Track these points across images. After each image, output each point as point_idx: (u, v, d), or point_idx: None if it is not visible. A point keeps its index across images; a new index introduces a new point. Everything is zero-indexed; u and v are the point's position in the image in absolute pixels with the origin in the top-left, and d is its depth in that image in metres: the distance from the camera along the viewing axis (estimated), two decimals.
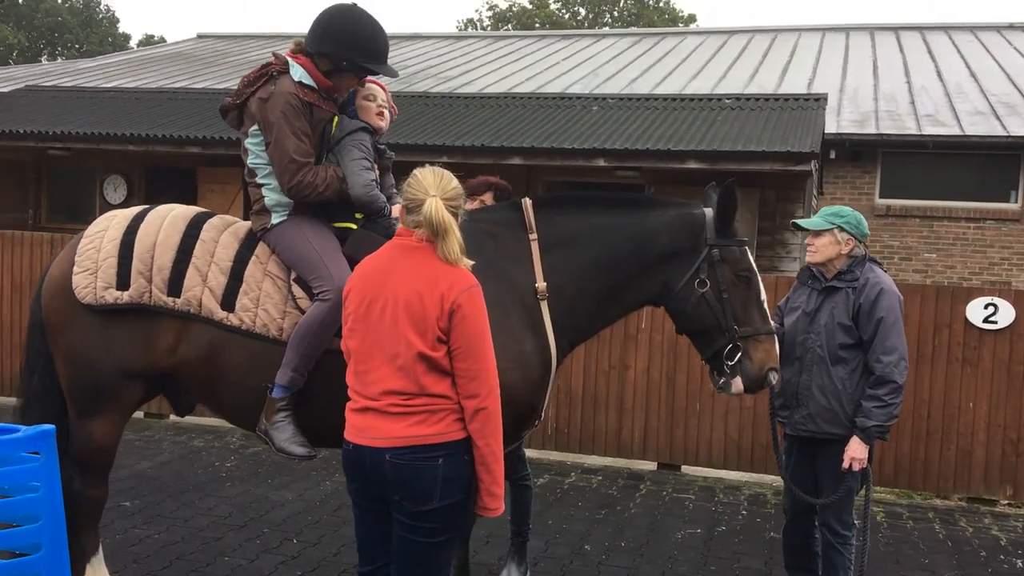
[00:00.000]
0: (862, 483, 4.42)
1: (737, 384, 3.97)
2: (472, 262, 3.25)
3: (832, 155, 15.37)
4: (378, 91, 4.06)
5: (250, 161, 3.99)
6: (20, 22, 45.27)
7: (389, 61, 4.00)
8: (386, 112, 4.08)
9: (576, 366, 7.55)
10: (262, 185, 3.98)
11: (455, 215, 3.17)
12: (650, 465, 7.57)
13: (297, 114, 3.83)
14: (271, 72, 3.89)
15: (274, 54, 3.99)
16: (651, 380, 7.42)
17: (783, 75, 19.18)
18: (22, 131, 12.77)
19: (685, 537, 5.95)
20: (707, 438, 7.38)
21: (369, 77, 4.09)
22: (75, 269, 3.95)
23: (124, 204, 13.55)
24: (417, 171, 3.21)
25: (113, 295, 3.88)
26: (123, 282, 3.89)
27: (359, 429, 3.15)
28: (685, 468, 7.53)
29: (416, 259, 3.13)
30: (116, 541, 5.35)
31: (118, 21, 50.62)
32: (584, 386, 7.57)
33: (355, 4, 3.96)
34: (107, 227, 4.05)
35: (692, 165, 10.58)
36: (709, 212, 4.01)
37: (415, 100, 14.24)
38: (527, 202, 4.04)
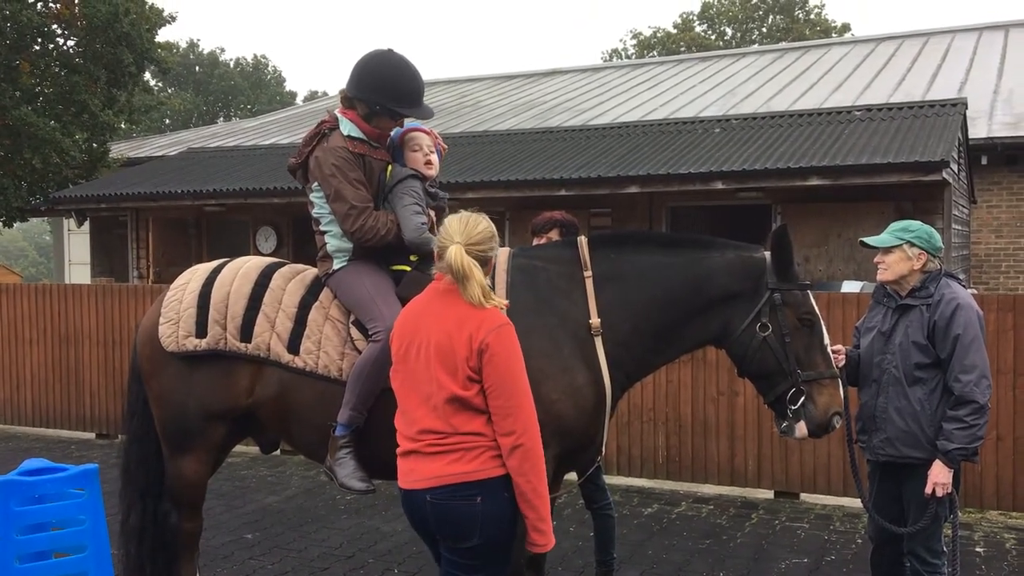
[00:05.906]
0: (950, 509, 4.19)
1: (801, 428, 3.98)
2: (505, 302, 3.34)
3: (984, 161, 14.55)
4: (423, 139, 4.24)
5: (314, 211, 4.25)
6: (198, 88, 48.92)
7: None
8: (433, 157, 4.25)
9: (684, 393, 7.46)
10: (325, 232, 4.23)
11: (485, 258, 3.27)
12: (766, 493, 7.37)
13: (351, 165, 4.07)
14: (323, 130, 4.15)
15: (328, 111, 4.25)
16: (762, 406, 7.15)
17: (932, 81, 18.31)
18: (179, 191, 13.84)
19: (789, 567, 5.76)
20: (825, 465, 7.12)
21: (414, 126, 4.28)
22: (161, 320, 4.31)
23: (274, 253, 14.41)
24: (447, 218, 3.35)
25: (193, 343, 4.21)
26: (201, 330, 4.21)
27: (404, 473, 3.27)
28: (804, 496, 7.28)
29: (447, 302, 3.24)
30: (232, 571, 5.71)
31: (284, 80, 53.86)
32: (693, 413, 7.46)
33: (390, 50, 4.15)
34: (189, 280, 4.40)
35: (815, 182, 10.26)
36: (770, 255, 4.00)
37: (540, 136, 14.48)
38: (582, 240, 4.15)
